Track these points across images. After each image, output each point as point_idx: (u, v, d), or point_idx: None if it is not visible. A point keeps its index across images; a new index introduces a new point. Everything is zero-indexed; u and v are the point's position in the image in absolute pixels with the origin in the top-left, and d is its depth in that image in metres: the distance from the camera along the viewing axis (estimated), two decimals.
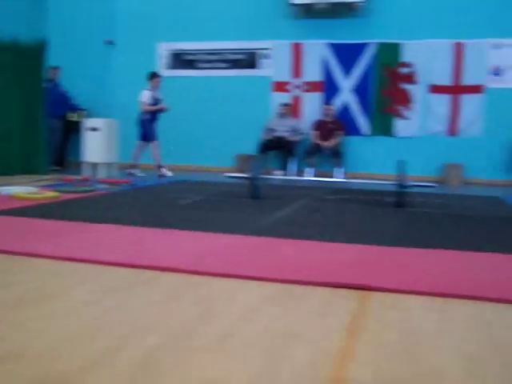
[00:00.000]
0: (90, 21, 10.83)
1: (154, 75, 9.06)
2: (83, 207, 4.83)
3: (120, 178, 7.59)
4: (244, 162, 9.64)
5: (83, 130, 8.62)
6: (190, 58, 10.55)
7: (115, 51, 10.81)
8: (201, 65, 10.52)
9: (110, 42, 10.76)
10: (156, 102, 8.98)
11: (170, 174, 8.84)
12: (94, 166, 8.51)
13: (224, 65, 10.40)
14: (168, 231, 3.71)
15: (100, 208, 4.80)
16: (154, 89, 8.97)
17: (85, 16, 10.86)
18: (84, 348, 1.70)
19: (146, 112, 8.82)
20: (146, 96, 8.90)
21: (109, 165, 8.56)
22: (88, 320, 1.98)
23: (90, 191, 5.90)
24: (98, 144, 8.32)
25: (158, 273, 2.64)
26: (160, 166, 8.91)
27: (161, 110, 9.06)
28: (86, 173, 8.35)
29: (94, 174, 8.22)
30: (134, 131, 10.19)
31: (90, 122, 8.60)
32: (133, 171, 8.90)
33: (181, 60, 10.58)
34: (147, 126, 8.93)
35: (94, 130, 8.37)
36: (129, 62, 10.66)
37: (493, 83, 9.22)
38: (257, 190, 5.66)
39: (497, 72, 9.20)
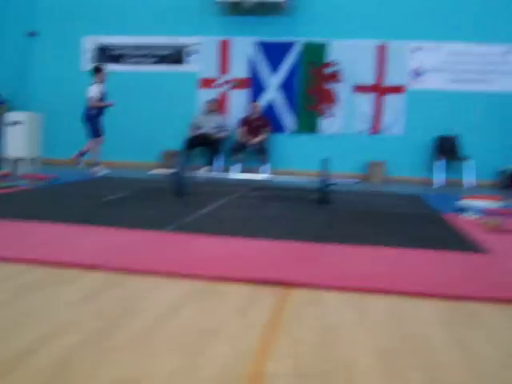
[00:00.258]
0: (9, 11, 10.50)
1: (98, 69, 8.70)
2: (3, 203, 4.69)
3: (43, 174, 7.40)
4: (170, 158, 9.59)
5: (4, 124, 8.36)
6: (117, 52, 10.39)
7: (38, 43, 10.50)
8: (127, 60, 10.37)
9: (33, 34, 10.45)
10: (103, 96, 8.67)
11: (105, 171, 8.61)
12: (16, 161, 8.27)
13: (151, 60, 10.29)
14: (89, 228, 3.66)
15: (20, 204, 4.68)
16: (100, 83, 8.62)
17: (4, 6, 10.52)
18: None
19: (93, 108, 8.54)
20: (94, 91, 8.53)
21: (31, 160, 8.34)
22: (0, 321, 1.93)
23: (11, 187, 5.74)
24: (19, 138, 8.10)
25: (76, 271, 2.61)
26: (97, 164, 8.67)
27: (108, 106, 8.75)
28: (7, 168, 8.10)
29: (15, 170, 7.99)
30: (57, 125, 9.98)
31: (11, 116, 8.35)
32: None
33: (107, 55, 10.40)
34: (94, 122, 8.59)
35: (16, 123, 8.13)
36: (53, 55, 10.38)
37: (413, 84, 9.51)
38: (181, 186, 5.64)
39: (417, 73, 9.50)
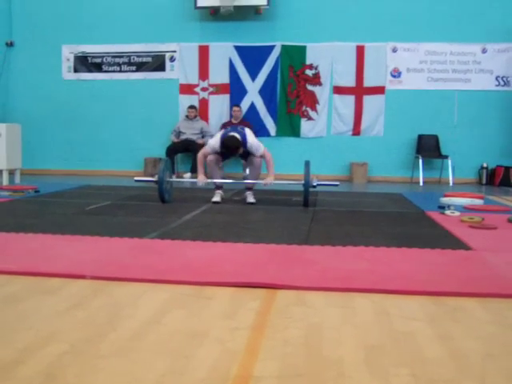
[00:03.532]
0: None
1: None
2: None
3: (24, 185, 7.34)
4: (153, 165, 9.57)
5: None
6: (96, 60, 10.34)
7: (15, 53, 10.42)
8: (107, 68, 10.33)
9: (10, 44, 10.36)
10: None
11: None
12: None
13: (131, 68, 10.27)
14: (73, 237, 3.65)
15: (3, 216, 4.64)
16: None
17: None
18: None
19: None
20: None
21: (12, 171, 8.27)
22: None
23: None
24: None
25: (61, 280, 2.60)
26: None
27: None
28: None
29: None
30: (37, 136, 9.92)
31: None
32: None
33: (87, 63, 10.35)
34: None
35: None
36: (31, 64, 10.30)
37: (392, 85, 9.57)
38: (165, 193, 5.64)
39: (395, 74, 9.57)
